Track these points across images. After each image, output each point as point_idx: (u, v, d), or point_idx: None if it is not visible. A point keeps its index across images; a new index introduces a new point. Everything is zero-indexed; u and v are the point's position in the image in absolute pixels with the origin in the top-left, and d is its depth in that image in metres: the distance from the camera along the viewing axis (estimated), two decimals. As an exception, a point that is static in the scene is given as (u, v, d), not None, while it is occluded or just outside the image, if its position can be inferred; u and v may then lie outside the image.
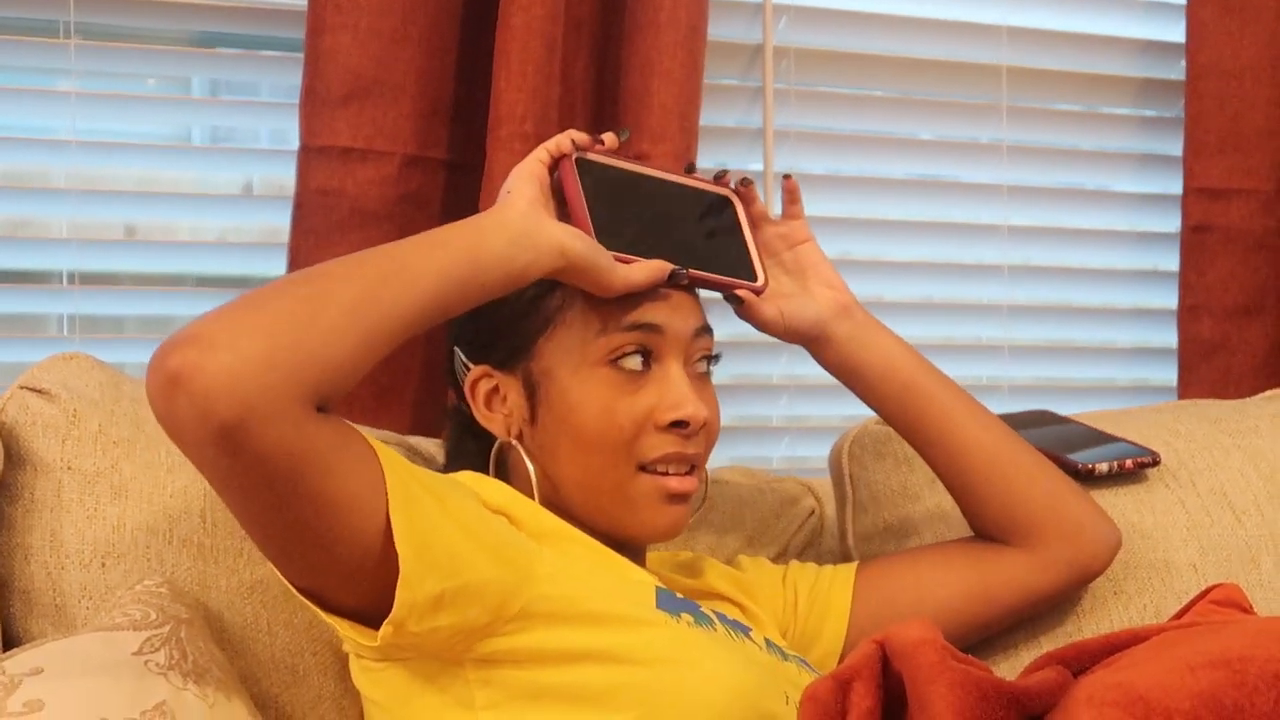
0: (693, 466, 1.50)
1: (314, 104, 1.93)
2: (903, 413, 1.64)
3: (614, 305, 1.45)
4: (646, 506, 1.48)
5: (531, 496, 1.47)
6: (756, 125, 2.27)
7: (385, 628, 1.26)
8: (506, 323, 1.49)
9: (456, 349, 1.54)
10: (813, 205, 2.30)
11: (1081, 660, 1.32)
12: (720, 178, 1.58)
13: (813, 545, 1.91)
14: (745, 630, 1.51)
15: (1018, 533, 1.65)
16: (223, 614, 1.48)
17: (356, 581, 1.28)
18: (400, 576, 1.25)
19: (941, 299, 2.50)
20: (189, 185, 2.19)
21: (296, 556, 1.28)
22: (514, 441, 1.49)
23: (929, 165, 2.50)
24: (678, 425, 1.47)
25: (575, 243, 1.40)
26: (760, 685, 1.40)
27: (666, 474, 1.48)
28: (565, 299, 1.47)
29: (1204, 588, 1.53)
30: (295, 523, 1.24)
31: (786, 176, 1.63)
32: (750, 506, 1.88)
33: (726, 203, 1.58)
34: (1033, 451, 1.67)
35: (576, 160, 1.45)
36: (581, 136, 1.47)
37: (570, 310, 1.47)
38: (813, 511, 1.93)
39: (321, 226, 1.93)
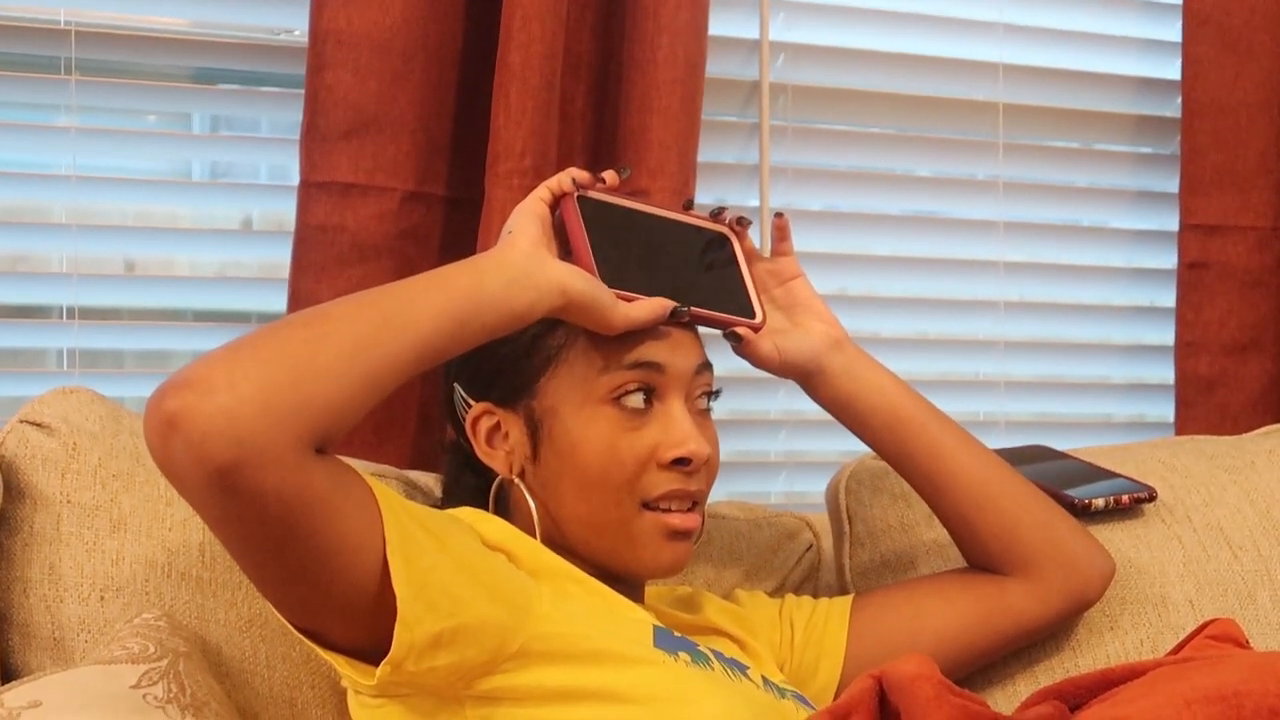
0: (694, 503, 1.51)
1: (314, 139, 1.94)
2: (895, 445, 1.65)
3: (616, 343, 1.46)
4: (649, 544, 1.48)
5: (532, 533, 1.47)
6: (753, 161, 2.28)
7: (383, 668, 1.27)
8: (508, 361, 1.50)
9: (456, 385, 1.54)
10: (808, 241, 2.32)
11: (1078, 695, 1.32)
12: (718, 215, 1.59)
13: (810, 580, 1.91)
14: (743, 668, 1.51)
15: (1012, 563, 1.65)
16: (221, 648, 1.48)
17: (354, 620, 1.28)
18: (398, 617, 1.25)
19: (937, 334, 2.50)
20: (188, 220, 2.20)
21: (294, 596, 1.29)
22: (515, 479, 1.49)
23: (925, 201, 2.51)
24: (680, 463, 1.47)
25: (577, 282, 1.41)
26: (748, 709, 1.40)
27: (669, 510, 1.49)
28: (567, 337, 1.48)
29: (1200, 623, 1.53)
30: (292, 563, 1.24)
31: (778, 215, 1.64)
32: (748, 541, 1.88)
33: (724, 240, 1.59)
34: (1025, 482, 1.68)
35: (578, 199, 1.46)
36: (582, 175, 1.48)
37: (572, 349, 1.48)
38: (810, 546, 1.93)
39: (321, 262, 1.93)
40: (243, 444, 1.16)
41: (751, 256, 1.62)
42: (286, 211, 1.96)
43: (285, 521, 1.21)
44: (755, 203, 2.27)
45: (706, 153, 2.14)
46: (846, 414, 1.65)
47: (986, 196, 2.46)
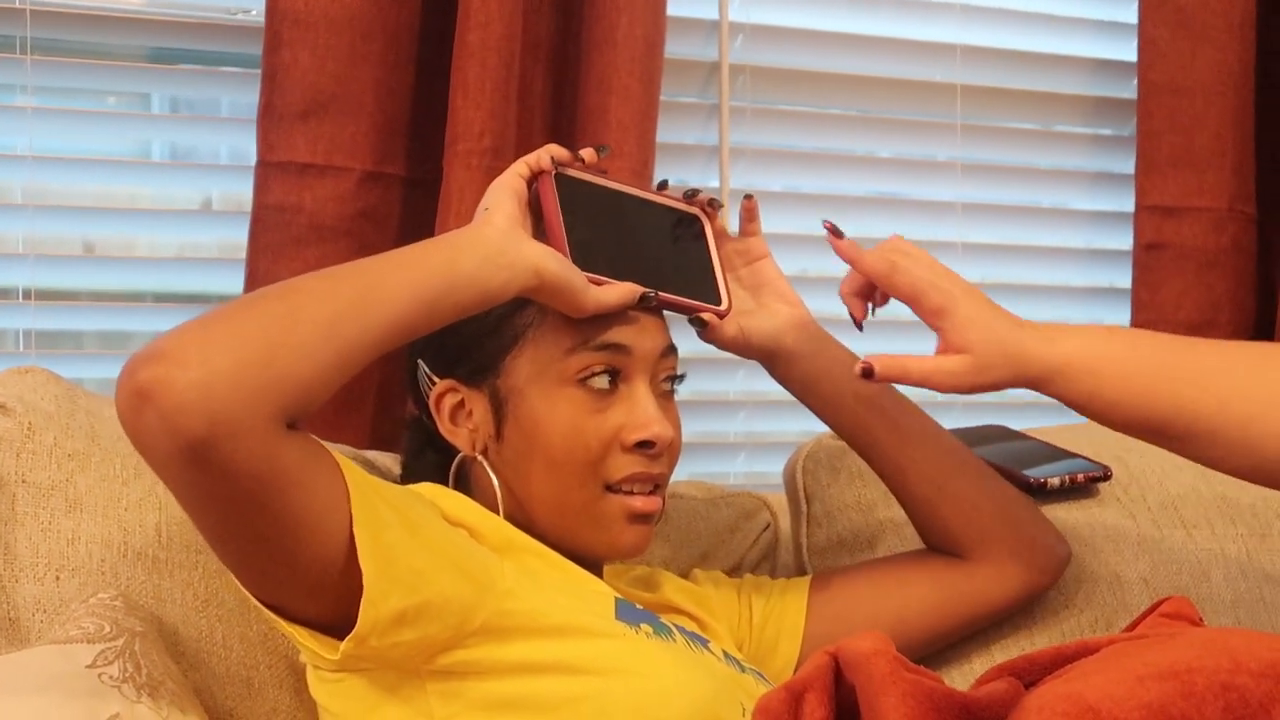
0: (656, 486, 1.51)
1: (272, 119, 1.93)
2: (856, 427, 1.66)
3: (583, 325, 1.46)
4: (611, 526, 1.49)
5: (494, 510, 1.48)
6: (713, 142, 2.29)
7: (347, 643, 1.27)
8: (474, 339, 1.50)
9: (420, 362, 1.54)
10: (769, 222, 2.31)
11: (1032, 671, 1.32)
12: (692, 196, 1.59)
13: (768, 559, 1.92)
14: (704, 642, 1.52)
15: (970, 545, 1.66)
16: (177, 628, 1.48)
17: (318, 595, 1.28)
18: (364, 593, 1.25)
19: (894, 316, 2.50)
20: (148, 201, 2.19)
21: (258, 569, 1.29)
22: (479, 457, 1.50)
23: (884, 182, 2.51)
24: (644, 446, 1.48)
25: (550, 263, 1.40)
26: (718, 695, 1.41)
27: (632, 493, 1.49)
28: (534, 317, 1.48)
29: (1154, 601, 1.54)
30: (259, 537, 1.25)
31: (747, 197, 1.63)
32: (705, 520, 1.89)
33: (696, 221, 1.59)
34: (984, 466, 1.69)
35: (555, 176, 1.46)
36: (561, 152, 1.47)
37: (539, 329, 1.48)
38: (768, 525, 1.93)
39: (278, 242, 1.93)
40: (215, 418, 1.16)
41: (722, 238, 1.62)
42: (246, 192, 1.95)
43: (254, 495, 1.21)
44: (715, 183, 2.28)
45: (666, 133, 2.14)
46: (809, 395, 1.65)
47: (945, 177, 2.47)
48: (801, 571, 1.86)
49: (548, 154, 1.47)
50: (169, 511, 1.53)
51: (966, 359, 1.49)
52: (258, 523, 1.23)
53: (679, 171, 2.28)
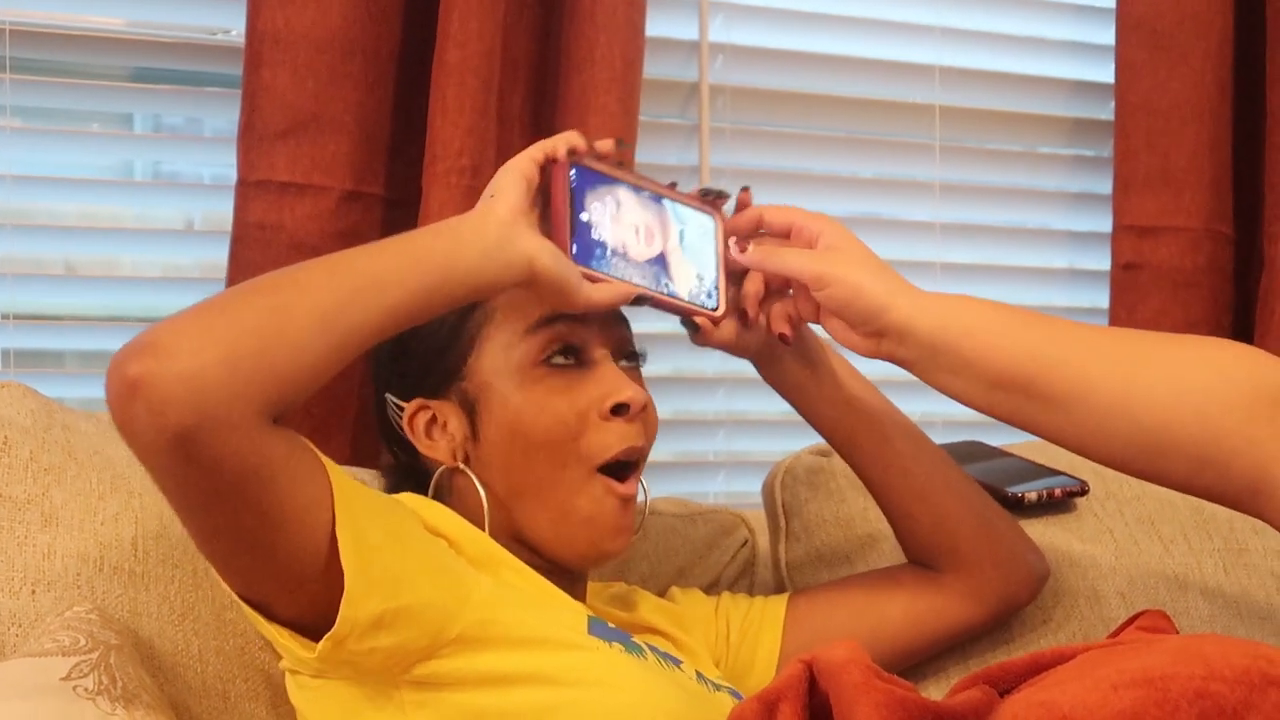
0: (636, 463, 1.52)
1: (252, 139, 1.93)
2: (843, 432, 1.66)
3: (533, 308, 1.48)
4: (599, 503, 1.49)
5: (479, 521, 1.48)
6: (693, 162, 2.29)
7: (325, 643, 1.27)
8: (433, 353, 1.51)
9: (388, 396, 1.55)
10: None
11: (1007, 680, 1.33)
12: (706, 195, 1.59)
13: (745, 576, 1.92)
14: (676, 662, 1.52)
15: (950, 559, 1.67)
16: (153, 641, 1.48)
17: (298, 593, 1.29)
18: (345, 593, 1.26)
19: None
20: (130, 221, 2.19)
21: (242, 564, 1.29)
22: (461, 465, 1.50)
23: (863, 202, 2.52)
24: (620, 409, 1.49)
25: (545, 258, 1.40)
26: (689, 712, 1.41)
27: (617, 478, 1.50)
28: (485, 314, 1.50)
29: (1130, 615, 1.55)
30: (243, 532, 1.25)
31: (744, 189, 1.62)
32: (683, 537, 1.89)
33: (708, 220, 1.58)
34: (970, 480, 1.69)
35: (569, 166, 1.45)
36: (578, 141, 1.46)
37: (491, 324, 1.50)
38: (745, 542, 1.94)
39: (259, 261, 1.93)
40: (203, 411, 1.16)
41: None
42: (228, 212, 1.95)
43: (239, 489, 1.21)
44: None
45: (646, 153, 2.15)
46: (798, 397, 1.65)
47: (924, 198, 2.48)
48: (780, 587, 1.86)
49: (565, 142, 1.46)
50: (145, 526, 1.53)
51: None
52: (242, 516, 1.23)
53: (658, 149, 2.28)
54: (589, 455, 1.48)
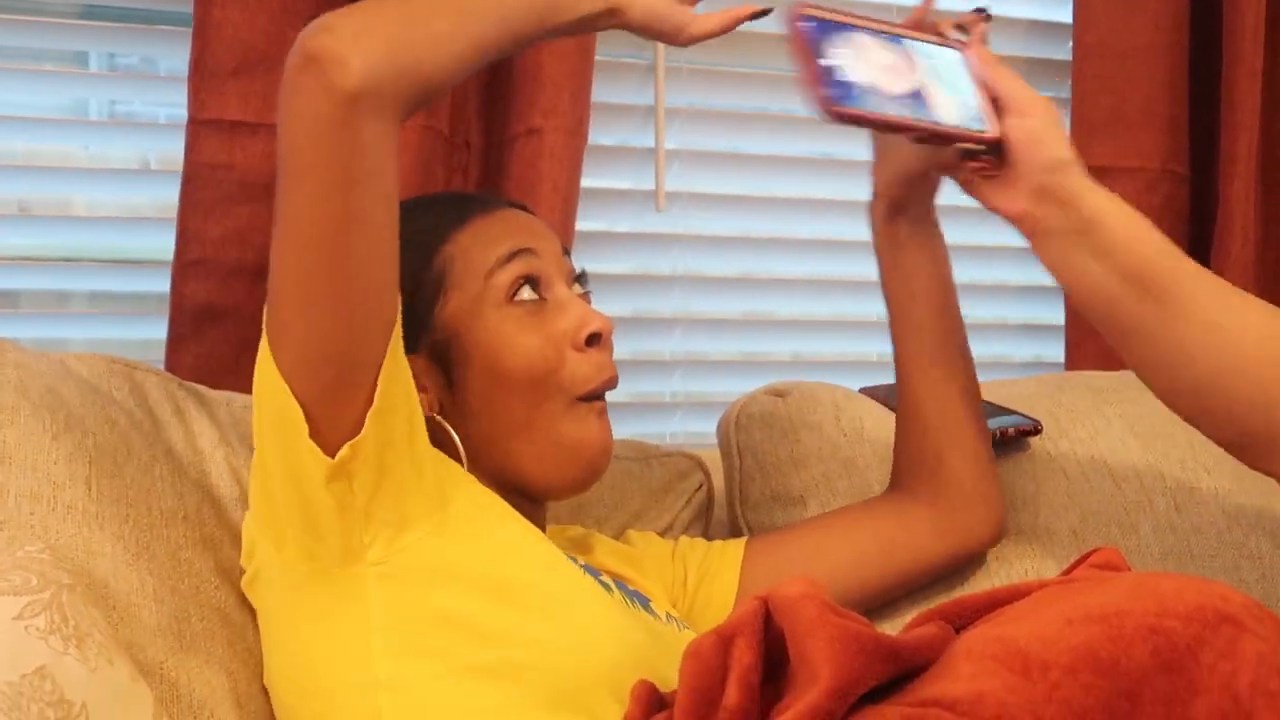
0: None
1: (203, 77, 1.92)
2: (920, 313, 1.72)
3: (488, 250, 1.51)
4: (584, 421, 1.53)
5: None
6: (649, 102, 2.28)
7: (345, 449, 1.34)
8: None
9: None
10: (707, 182, 2.33)
11: (963, 615, 1.34)
12: (958, 25, 1.59)
13: (700, 518, 1.93)
14: (644, 600, 1.53)
15: (936, 482, 1.70)
16: (108, 581, 1.46)
17: (343, 385, 1.35)
18: (374, 406, 1.34)
19: (838, 276, 2.50)
20: (84, 160, 2.17)
21: (318, 292, 1.34)
22: (437, 417, 1.51)
23: (820, 143, 2.49)
24: (594, 339, 1.52)
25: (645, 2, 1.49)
26: (653, 645, 1.43)
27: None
28: (442, 265, 1.52)
29: (1083, 552, 1.56)
30: (348, 225, 1.32)
31: (979, 11, 1.62)
32: (638, 480, 1.89)
33: (953, 54, 1.56)
34: (984, 418, 1.73)
35: (801, 14, 1.44)
36: None
37: (451, 273, 1.51)
38: (701, 485, 1.94)
39: (210, 199, 1.92)
40: (368, 83, 1.29)
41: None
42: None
43: (373, 177, 1.32)
44: (650, 143, 2.27)
45: (602, 92, 2.14)
46: (892, 262, 1.73)
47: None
48: (735, 527, 1.87)
49: None
50: (99, 465, 1.52)
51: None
52: (357, 205, 1.32)
53: (615, 130, 2.27)
54: (569, 386, 1.51)
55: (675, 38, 1.52)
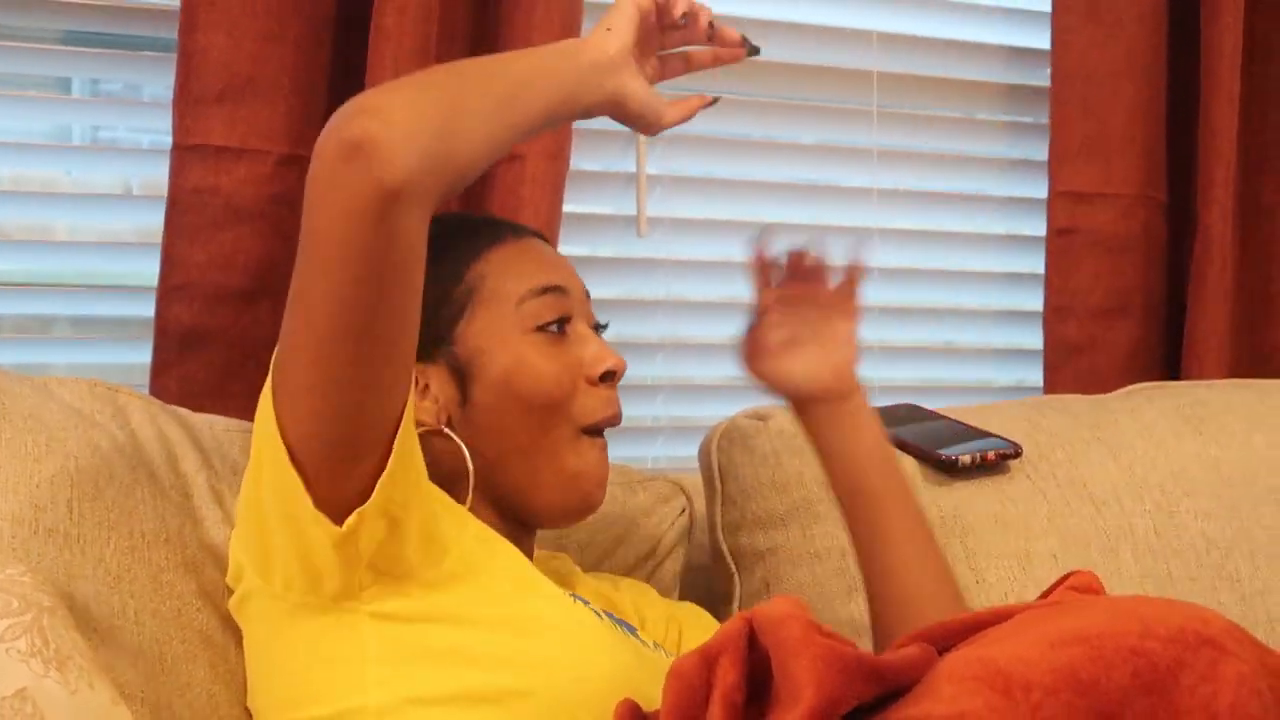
0: None
1: (188, 102, 1.92)
2: (849, 514, 1.66)
3: (522, 277, 1.56)
4: (582, 460, 1.56)
5: (456, 483, 1.52)
6: (628, 130, 2.27)
7: (354, 518, 1.33)
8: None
9: None
10: (686, 208, 2.34)
11: (946, 638, 1.34)
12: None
13: (682, 543, 1.93)
14: (632, 628, 1.54)
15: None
16: (89, 604, 1.47)
17: (358, 454, 1.35)
18: (387, 470, 1.34)
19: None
20: (66, 185, 2.17)
21: (349, 367, 1.32)
22: (445, 429, 1.53)
23: (800, 168, 2.52)
24: (608, 376, 1.57)
25: (640, 96, 1.51)
26: (640, 668, 1.44)
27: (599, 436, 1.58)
28: (474, 282, 1.55)
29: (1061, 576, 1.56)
30: (382, 315, 1.32)
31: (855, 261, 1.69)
32: (621, 505, 1.89)
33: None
34: (953, 588, 1.66)
35: None
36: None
37: (482, 291, 1.55)
38: (683, 509, 1.94)
39: (194, 225, 1.92)
40: (410, 176, 1.26)
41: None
42: (166, 177, 1.93)
43: (403, 268, 1.30)
44: (632, 169, 2.27)
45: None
46: (820, 457, 1.68)
47: (861, 163, 2.48)
48: (716, 550, 1.88)
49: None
50: (80, 488, 1.52)
51: None
52: (386, 296, 1.31)
53: (596, 154, 2.27)
54: (577, 417, 1.55)
55: (653, 127, 1.55)
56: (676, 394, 2.37)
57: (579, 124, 2.10)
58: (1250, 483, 2.01)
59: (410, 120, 1.27)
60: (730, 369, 2.31)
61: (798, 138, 2.50)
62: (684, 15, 1.53)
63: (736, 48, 1.60)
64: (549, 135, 2.03)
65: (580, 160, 2.16)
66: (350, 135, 1.26)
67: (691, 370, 2.41)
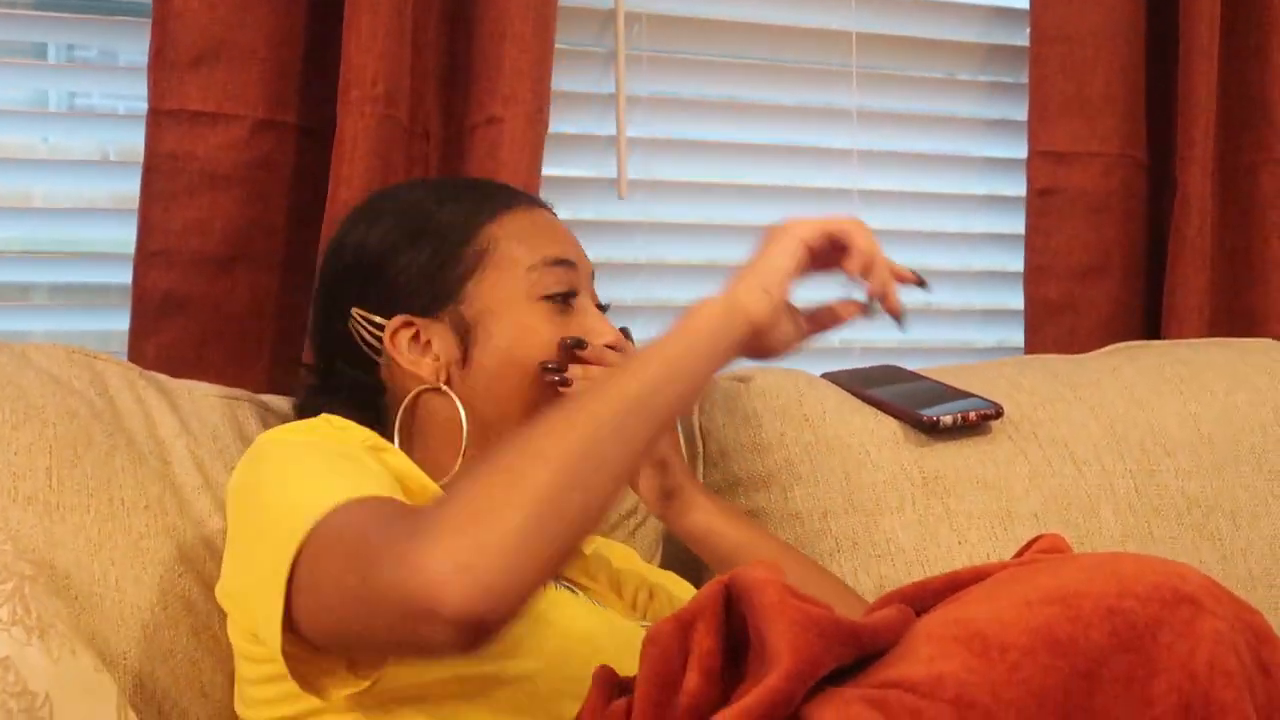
0: None
1: (163, 67, 1.91)
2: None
3: (536, 245, 1.55)
4: None
5: (449, 441, 1.52)
6: (609, 90, 2.28)
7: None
8: (423, 274, 1.55)
9: (357, 311, 1.56)
10: (664, 170, 2.33)
11: (924, 598, 1.34)
12: None
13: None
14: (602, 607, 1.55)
15: None
16: (70, 571, 1.47)
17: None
18: None
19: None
20: (43, 152, 2.16)
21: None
22: (443, 386, 1.53)
23: (781, 131, 2.51)
24: (609, 348, 1.55)
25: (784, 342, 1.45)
26: (611, 635, 1.44)
27: None
28: (485, 244, 1.55)
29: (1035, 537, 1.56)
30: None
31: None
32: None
33: None
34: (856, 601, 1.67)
35: None
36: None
37: (496, 253, 1.55)
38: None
39: (170, 190, 1.91)
40: (515, 610, 1.15)
41: None
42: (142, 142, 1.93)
43: None
44: (612, 131, 2.27)
45: (562, 81, 2.14)
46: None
47: (841, 125, 2.48)
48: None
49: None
50: (59, 455, 1.52)
51: None
52: None
53: (576, 119, 2.27)
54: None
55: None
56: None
57: (557, 85, 2.10)
58: (1232, 442, 2.01)
59: (513, 558, 1.14)
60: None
61: (778, 99, 2.49)
62: (863, 270, 1.45)
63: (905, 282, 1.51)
64: (528, 97, 2.02)
65: (560, 123, 2.16)
66: (446, 611, 1.12)
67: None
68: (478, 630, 1.13)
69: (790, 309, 1.45)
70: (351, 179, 1.90)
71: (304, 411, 1.61)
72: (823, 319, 1.49)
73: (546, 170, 2.08)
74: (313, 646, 1.30)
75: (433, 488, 1.47)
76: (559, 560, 1.18)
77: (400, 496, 1.34)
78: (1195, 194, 2.41)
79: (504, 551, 1.13)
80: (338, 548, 1.23)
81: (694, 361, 1.32)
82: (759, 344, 1.41)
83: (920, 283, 1.51)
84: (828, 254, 1.43)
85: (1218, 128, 2.45)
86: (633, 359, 1.33)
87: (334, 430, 1.48)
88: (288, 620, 1.27)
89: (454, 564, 1.12)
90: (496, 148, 2.00)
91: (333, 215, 1.86)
